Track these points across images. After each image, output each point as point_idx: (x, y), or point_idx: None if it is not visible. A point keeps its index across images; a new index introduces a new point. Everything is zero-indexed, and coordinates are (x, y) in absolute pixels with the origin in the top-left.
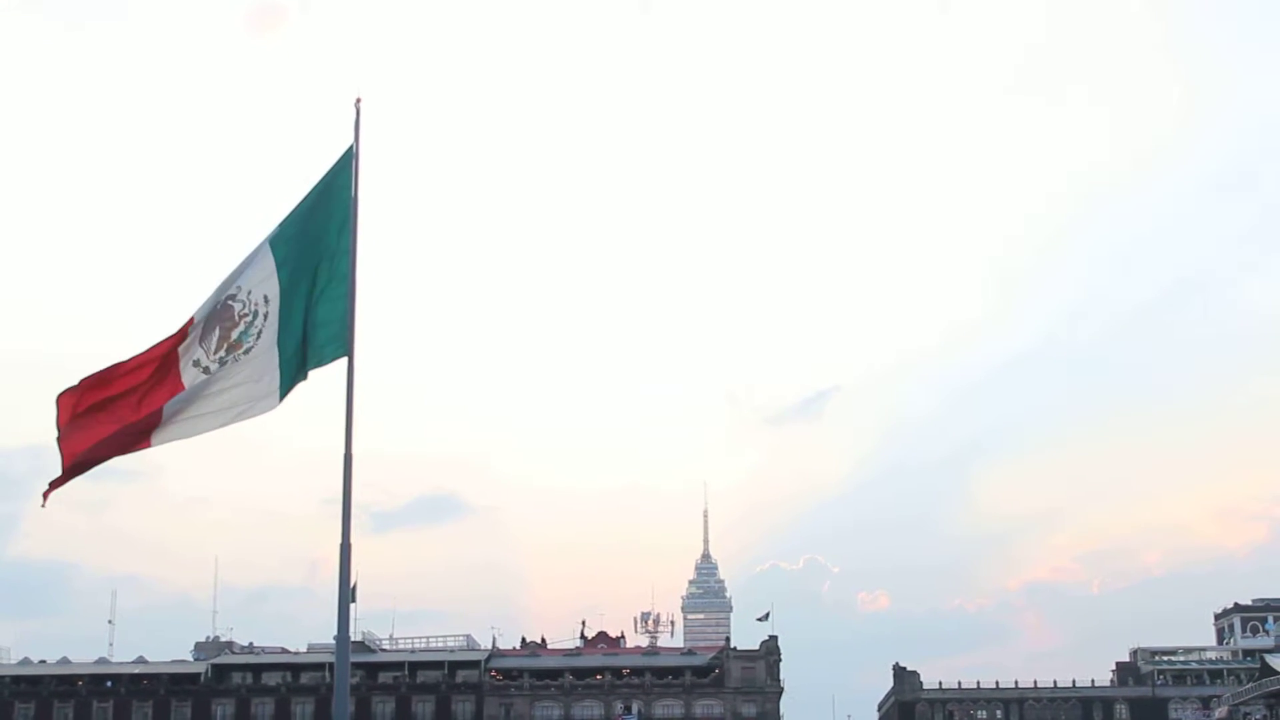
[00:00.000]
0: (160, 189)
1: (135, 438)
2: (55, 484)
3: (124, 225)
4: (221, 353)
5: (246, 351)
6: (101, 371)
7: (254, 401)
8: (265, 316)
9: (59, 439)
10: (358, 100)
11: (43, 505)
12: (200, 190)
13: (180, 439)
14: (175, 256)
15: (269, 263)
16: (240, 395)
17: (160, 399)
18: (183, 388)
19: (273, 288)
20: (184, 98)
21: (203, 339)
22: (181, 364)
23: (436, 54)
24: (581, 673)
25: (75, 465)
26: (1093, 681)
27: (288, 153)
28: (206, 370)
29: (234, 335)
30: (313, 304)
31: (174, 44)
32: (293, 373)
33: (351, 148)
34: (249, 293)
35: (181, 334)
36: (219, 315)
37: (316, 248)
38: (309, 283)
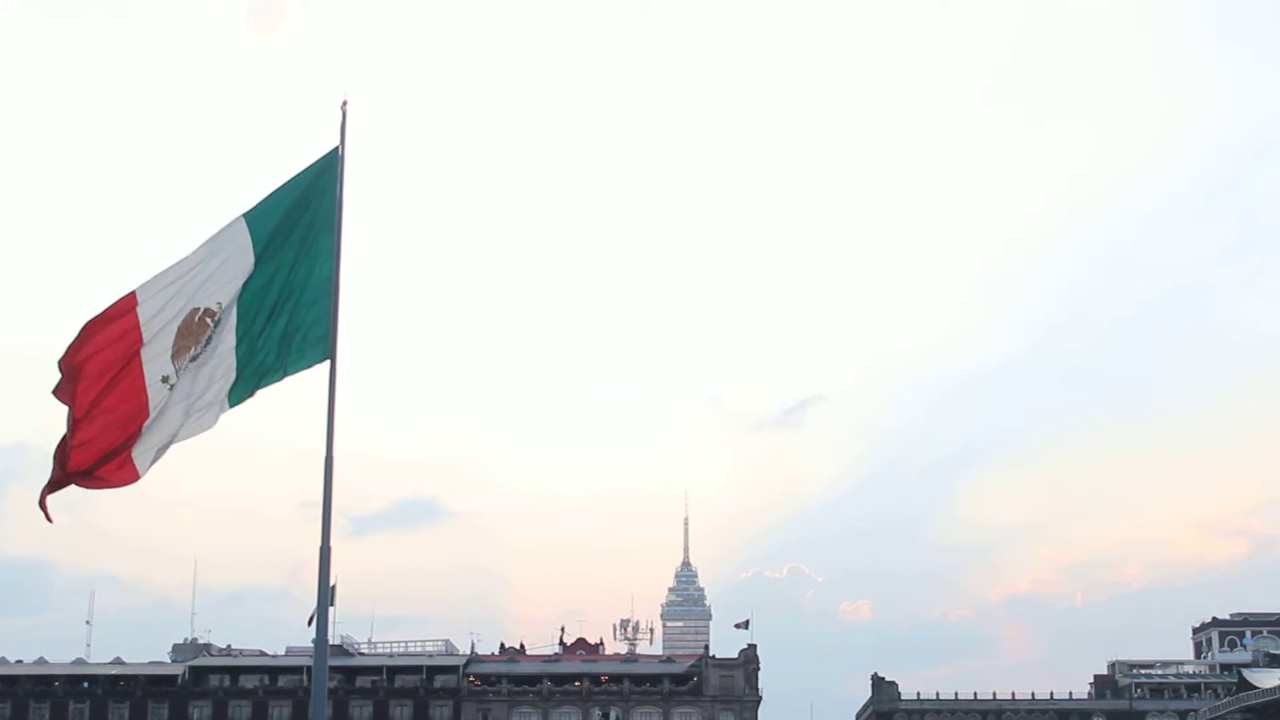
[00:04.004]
0: (148, 188)
1: (116, 466)
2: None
3: (109, 223)
4: (178, 365)
5: (194, 359)
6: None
7: (202, 412)
8: (219, 324)
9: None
10: (344, 103)
11: (43, 512)
12: (189, 189)
13: (150, 463)
14: (163, 255)
15: (237, 275)
16: (185, 409)
17: (136, 422)
18: (146, 407)
19: (230, 294)
20: (176, 96)
21: (175, 355)
22: (147, 378)
23: (428, 54)
24: (560, 679)
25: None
26: (1070, 694)
27: (276, 153)
28: (168, 384)
29: (191, 351)
30: (291, 307)
31: (167, 43)
32: (255, 380)
33: (337, 149)
34: (212, 308)
35: (136, 334)
36: (188, 328)
37: (296, 250)
38: (286, 285)
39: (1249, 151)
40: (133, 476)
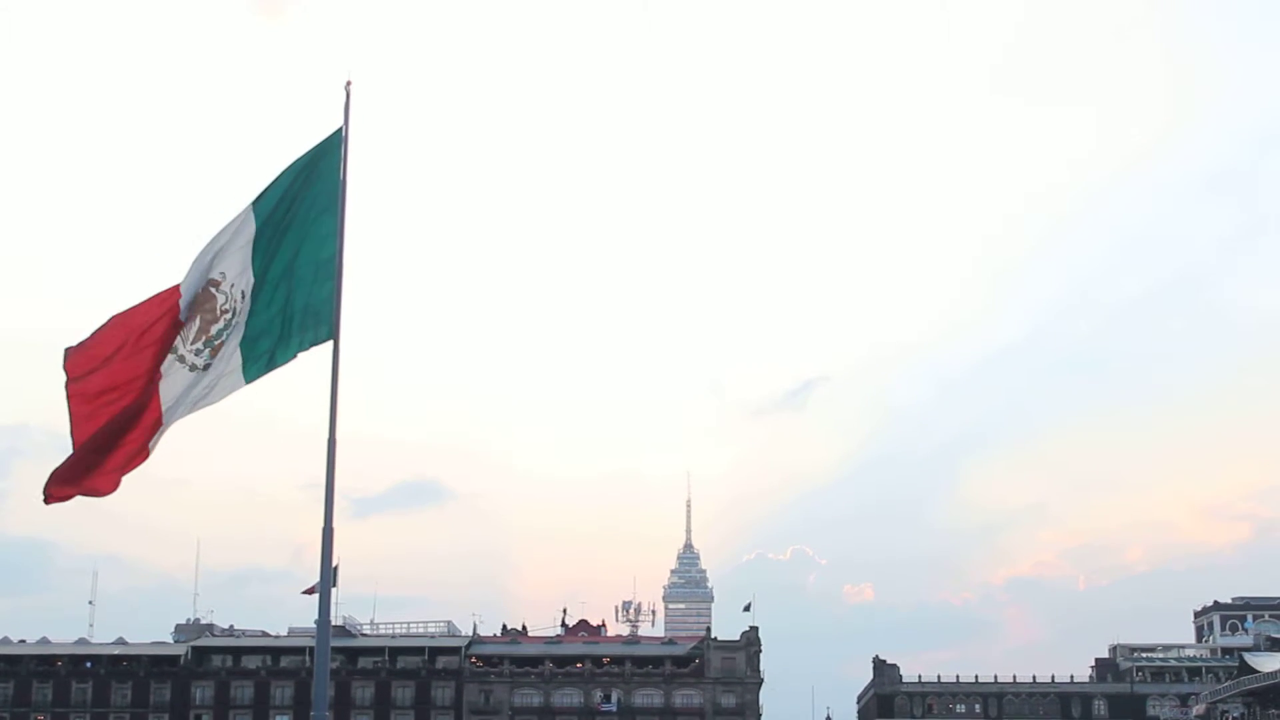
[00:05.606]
0: (154, 169)
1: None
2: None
3: (114, 204)
4: (199, 344)
5: (224, 345)
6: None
7: (215, 388)
8: (239, 312)
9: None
10: (348, 83)
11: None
12: (195, 170)
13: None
14: (166, 236)
15: (248, 253)
16: (206, 386)
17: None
18: (160, 377)
19: (248, 281)
20: (182, 77)
21: (184, 328)
22: (168, 360)
23: (432, 35)
24: (562, 661)
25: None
26: (1072, 677)
27: (280, 135)
28: (186, 363)
29: (213, 330)
30: (296, 287)
31: (173, 25)
32: (266, 359)
33: (340, 130)
34: (231, 285)
35: (173, 317)
36: (200, 301)
37: (300, 230)
38: (290, 265)
39: (1252, 137)
40: (143, 457)
